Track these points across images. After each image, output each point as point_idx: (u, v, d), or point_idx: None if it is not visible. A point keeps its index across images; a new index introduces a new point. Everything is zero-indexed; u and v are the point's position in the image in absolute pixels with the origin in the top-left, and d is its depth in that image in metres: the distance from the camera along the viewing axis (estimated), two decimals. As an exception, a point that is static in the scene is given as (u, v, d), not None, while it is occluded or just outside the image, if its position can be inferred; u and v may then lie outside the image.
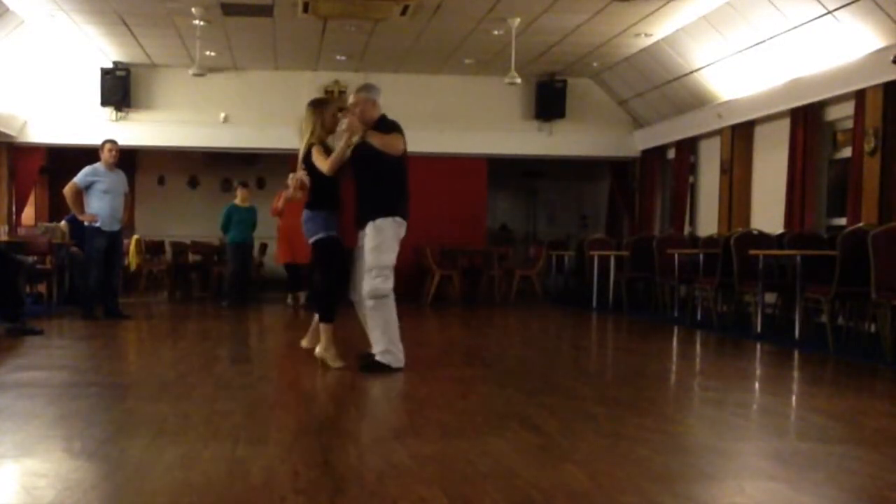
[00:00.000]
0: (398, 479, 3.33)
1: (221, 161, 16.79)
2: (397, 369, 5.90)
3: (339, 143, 6.04)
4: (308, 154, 6.08)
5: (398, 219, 5.97)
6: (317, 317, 6.31)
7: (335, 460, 3.60)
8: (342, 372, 5.88)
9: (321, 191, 6.08)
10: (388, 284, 5.92)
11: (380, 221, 5.91)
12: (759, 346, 8.18)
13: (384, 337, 5.92)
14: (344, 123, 6.05)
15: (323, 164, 5.97)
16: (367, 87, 6.19)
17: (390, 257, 5.94)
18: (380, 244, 5.89)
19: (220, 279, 12.87)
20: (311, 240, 6.15)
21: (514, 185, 17.71)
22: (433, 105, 14.53)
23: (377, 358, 5.91)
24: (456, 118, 14.76)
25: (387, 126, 5.98)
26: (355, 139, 5.95)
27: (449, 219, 13.88)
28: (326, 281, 6.17)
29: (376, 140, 5.87)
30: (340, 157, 5.94)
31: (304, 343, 6.79)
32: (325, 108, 6.29)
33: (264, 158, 16.28)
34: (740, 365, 7.29)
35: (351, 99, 6.18)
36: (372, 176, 5.96)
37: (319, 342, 6.11)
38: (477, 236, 14.66)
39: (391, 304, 5.95)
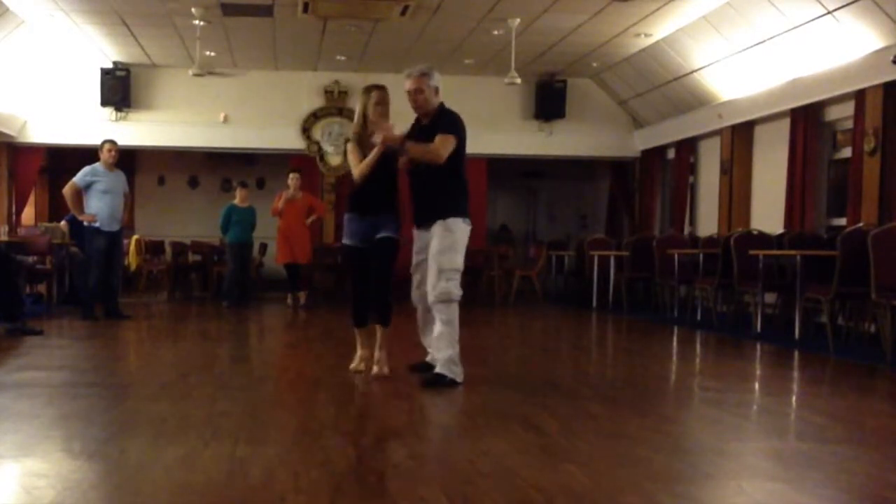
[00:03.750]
0: (398, 479, 3.33)
1: (221, 161, 16.78)
2: (460, 384, 5.37)
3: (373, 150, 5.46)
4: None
5: (468, 219, 5.60)
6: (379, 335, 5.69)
7: (335, 460, 3.59)
8: (342, 372, 5.85)
9: (352, 190, 5.74)
10: (458, 289, 5.44)
11: (450, 221, 5.48)
12: (759, 346, 8.18)
13: (450, 346, 5.38)
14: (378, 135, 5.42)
15: (354, 166, 5.56)
16: (428, 73, 5.51)
17: (461, 260, 5.49)
18: (451, 245, 5.45)
19: (220, 279, 12.86)
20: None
21: (514, 185, 17.70)
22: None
23: (439, 369, 5.41)
24: (456, 118, 14.72)
25: (446, 122, 5.50)
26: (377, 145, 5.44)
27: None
28: (352, 287, 5.84)
29: (417, 153, 5.40)
30: (371, 166, 5.44)
31: (374, 369, 5.70)
32: (368, 94, 5.58)
33: (264, 158, 16.27)
34: (740, 365, 7.28)
35: (407, 84, 5.51)
36: (436, 171, 5.44)
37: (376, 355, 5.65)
38: (477, 236, 14.59)
39: (457, 311, 5.45)
